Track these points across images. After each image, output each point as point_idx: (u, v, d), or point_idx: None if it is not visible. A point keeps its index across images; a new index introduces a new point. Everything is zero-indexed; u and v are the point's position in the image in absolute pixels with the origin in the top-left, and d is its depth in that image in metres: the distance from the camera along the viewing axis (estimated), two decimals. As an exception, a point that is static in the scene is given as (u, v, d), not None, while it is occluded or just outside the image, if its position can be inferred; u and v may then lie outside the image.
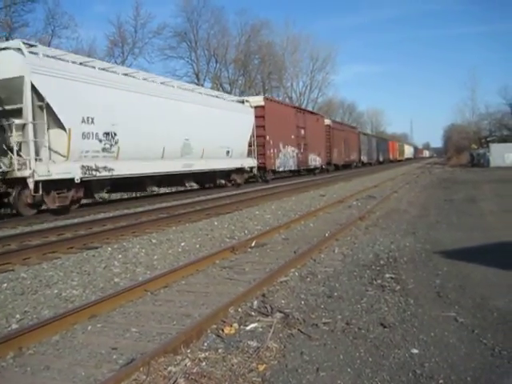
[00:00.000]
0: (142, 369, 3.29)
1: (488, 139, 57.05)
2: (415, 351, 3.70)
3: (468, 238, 8.41)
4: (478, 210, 12.44)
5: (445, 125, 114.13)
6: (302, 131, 31.31)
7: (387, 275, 5.95)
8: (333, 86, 75.02)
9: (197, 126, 18.81)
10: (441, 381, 3.22)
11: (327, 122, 39.02)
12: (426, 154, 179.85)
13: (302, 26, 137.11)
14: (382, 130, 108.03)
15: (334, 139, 39.51)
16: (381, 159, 65.06)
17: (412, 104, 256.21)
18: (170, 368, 3.35)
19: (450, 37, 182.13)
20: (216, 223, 10.83)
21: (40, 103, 12.18)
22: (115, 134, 14.48)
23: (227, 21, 56.32)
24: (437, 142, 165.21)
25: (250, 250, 7.88)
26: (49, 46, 25.46)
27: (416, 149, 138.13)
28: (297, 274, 6.17)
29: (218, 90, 44.45)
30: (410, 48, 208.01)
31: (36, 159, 12.03)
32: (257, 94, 55.55)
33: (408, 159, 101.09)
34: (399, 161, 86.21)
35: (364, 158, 53.70)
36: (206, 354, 3.64)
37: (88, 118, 13.40)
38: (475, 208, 12.96)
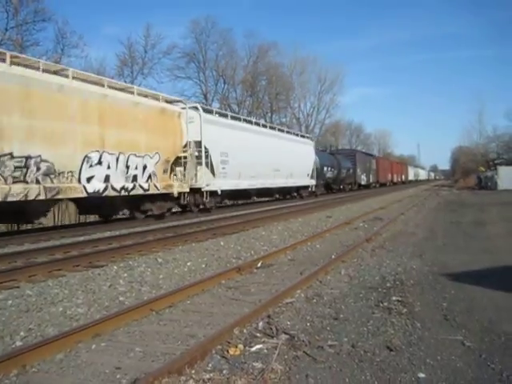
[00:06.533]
0: (145, 389, 3.27)
1: (496, 162, 56.91)
2: (422, 375, 3.66)
3: (475, 260, 8.35)
4: (485, 233, 12.37)
5: (452, 147, 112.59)
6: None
7: (394, 298, 5.91)
8: (340, 108, 75.17)
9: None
10: (448, 406, 3.17)
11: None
12: (420, 173, 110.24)
13: (309, 48, 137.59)
14: (389, 152, 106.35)
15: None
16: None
17: (420, 126, 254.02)
18: (173, 388, 3.33)
19: (457, 59, 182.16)
20: (222, 243, 10.82)
21: None
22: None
23: (235, 42, 56.68)
24: (444, 164, 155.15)
25: (255, 270, 7.86)
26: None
27: (364, 157, 51.63)
28: (303, 295, 6.14)
29: (226, 110, 44.71)
30: (417, 70, 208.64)
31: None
32: (265, 114, 56.00)
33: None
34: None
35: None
36: (211, 375, 3.61)
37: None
38: (482, 231, 12.89)
